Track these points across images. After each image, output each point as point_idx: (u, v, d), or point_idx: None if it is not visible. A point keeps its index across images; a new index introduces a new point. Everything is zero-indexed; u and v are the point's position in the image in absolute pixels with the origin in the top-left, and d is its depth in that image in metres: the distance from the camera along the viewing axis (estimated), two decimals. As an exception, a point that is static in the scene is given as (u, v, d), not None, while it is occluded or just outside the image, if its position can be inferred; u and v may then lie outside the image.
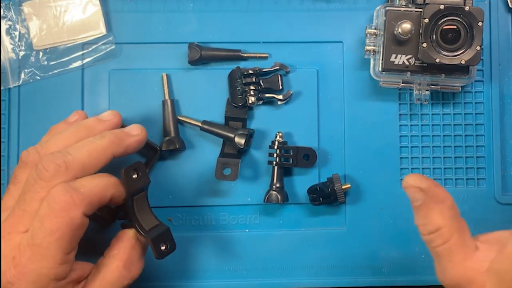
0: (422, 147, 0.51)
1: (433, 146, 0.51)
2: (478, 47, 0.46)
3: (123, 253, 0.41)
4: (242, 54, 0.50)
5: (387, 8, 0.47)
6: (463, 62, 0.46)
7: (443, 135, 0.51)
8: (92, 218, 0.40)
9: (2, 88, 0.49)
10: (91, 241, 0.43)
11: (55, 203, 0.37)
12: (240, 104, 0.49)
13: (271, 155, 0.49)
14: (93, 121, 0.43)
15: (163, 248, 0.41)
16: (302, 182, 0.50)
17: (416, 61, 0.47)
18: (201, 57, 0.49)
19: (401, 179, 0.51)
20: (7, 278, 0.36)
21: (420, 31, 0.46)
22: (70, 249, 0.38)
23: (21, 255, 0.37)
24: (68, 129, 0.43)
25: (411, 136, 0.51)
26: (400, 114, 0.51)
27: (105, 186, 0.40)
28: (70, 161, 0.39)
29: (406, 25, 0.45)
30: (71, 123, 0.45)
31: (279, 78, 0.50)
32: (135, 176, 0.41)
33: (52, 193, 0.37)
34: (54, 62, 0.50)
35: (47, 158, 0.38)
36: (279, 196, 0.48)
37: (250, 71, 0.49)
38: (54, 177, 0.38)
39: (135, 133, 0.43)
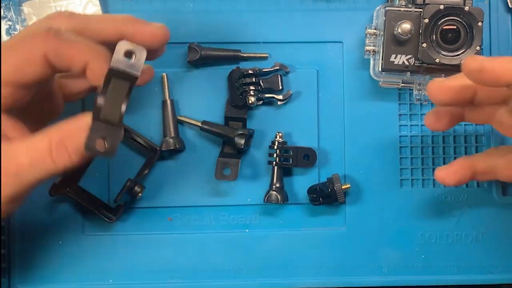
0: (422, 147, 0.51)
1: (433, 146, 0.51)
2: (478, 47, 0.46)
3: (65, 130, 0.35)
4: (242, 54, 0.50)
5: (387, 8, 0.47)
6: (463, 62, 0.46)
7: (443, 135, 0.51)
8: None
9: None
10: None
11: (32, 30, 0.35)
12: (240, 104, 0.49)
13: (271, 155, 0.49)
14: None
15: (98, 143, 0.34)
16: (302, 182, 0.50)
17: (416, 61, 0.47)
18: (201, 57, 0.49)
19: (401, 179, 0.51)
20: None
21: (420, 31, 0.46)
22: (10, 77, 0.34)
23: None
24: None
25: (411, 136, 0.51)
26: (400, 114, 0.51)
27: (87, 47, 0.35)
28: (76, 14, 0.37)
29: (406, 25, 0.46)
30: None
31: (279, 78, 0.50)
32: (130, 58, 0.35)
33: (36, 23, 0.37)
34: (54, 62, 0.50)
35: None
36: (279, 196, 0.48)
37: (250, 71, 0.49)
38: (53, 16, 0.37)
39: (156, 26, 0.39)
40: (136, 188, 0.48)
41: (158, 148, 0.49)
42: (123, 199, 0.48)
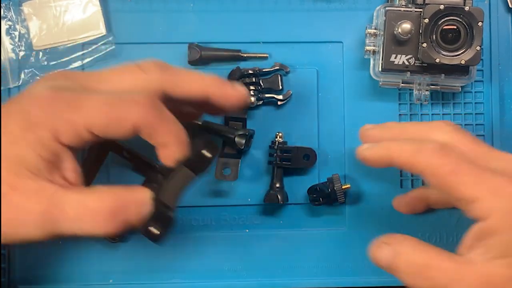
0: (422, 147, 0.51)
1: (433, 146, 0.51)
2: (478, 47, 0.46)
3: (122, 199, 0.35)
4: (242, 54, 0.50)
5: (387, 8, 0.47)
6: (463, 62, 0.46)
7: (443, 135, 0.51)
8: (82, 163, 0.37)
9: (2, 88, 0.49)
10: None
11: (133, 94, 0.35)
12: (240, 104, 0.49)
13: (271, 155, 0.49)
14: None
15: (152, 229, 0.36)
16: (302, 182, 0.50)
17: (416, 61, 0.47)
18: (201, 57, 0.49)
19: (401, 179, 0.51)
20: None
21: (420, 31, 0.46)
22: (94, 129, 0.34)
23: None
24: None
25: (411, 136, 0.51)
26: (400, 114, 0.51)
27: (175, 128, 0.36)
28: (167, 66, 0.38)
29: (406, 25, 0.45)
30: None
31: (279, 78, 0.50)
32: (207, 155, 0.36)
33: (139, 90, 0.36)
34: (54, 62, 0.50)
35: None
36: (279, 196, 0.48)
37: (250, 71, 0.49)
38: (148, 69, 0.38)
39: (239, 90, 0.40)
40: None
41: (157, 166, 0.49)
42: None
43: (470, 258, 0.34)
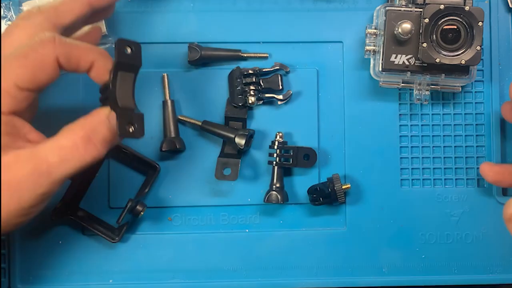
0: (422, 147, 0.51)
1: (433, 146, 0.51)
2: (478, 47, 0.46)
3: (88, 124, 0.38)
4: (242, 54, 0.50)
5: (387, 8, 0.47)
6: (463, 62, 0.46)
7: (443, 135, 0.51)
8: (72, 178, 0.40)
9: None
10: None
11: (37, 38, 0.37)
12: (240, 104, 0.49)
13: (271, 155, 0.49)
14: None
15: (129, 129, 0.38)
16: (302, 182, 0.50)
17: (416, 61, 0.47)
18: (201, 57, 0.49)
19: (401, 179, 0.51)
20: None
21: (420, 31, 0.46)
22: (25, 83, 0.37)
23: None
24: None
25: (411, 136, 0.51)
26: (400, 114, 0.51)
27: (90, 48, 0.39)
28: (43, 6, 0.40)
29: (406, 25, 0.45)
30: None
31: (279, 78, 0.50)
32: (128, 51, 0.39)
33: (39, 33, 0.38)
34: (54, 62, 0.49)
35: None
36: (279, 196, 0.48)
37: (250, 71, 0.49)
38: (28, 17, 0.39)
39: None
40: (137, 207, 0.47)
41: (157, 166, 0.49)
42: (126, 219, 0.48)
43: None
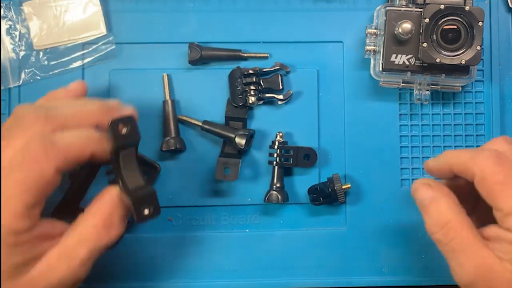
0: (423, 147, 0.51)
1: (433, 146, 0.51)
2: (479, 47, 0.46)
3: (104, 210, 0.39)
4: (242, 54, 0.50)
5: (387, 8, 0.47)
6: (463, 62, 0.46)
7: (443, 135, 0.51)
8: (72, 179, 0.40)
9: (2, 88, 0.49)
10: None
11: (27, 153, 0.36)
12: (240, 104, 0.49)
13: (271, 155, 0.49)
14: (99, 105, 0.41)
15: (145, 212, 0.39)
16: (302, 182, 0.50)
17: (416, 61, 0.47)
18: (201, 57, 0.49)
19: (401, 179, 0.51)
20: None
21: (421, 31, 0.46)
22: (34, 203, 0.36)
23: None
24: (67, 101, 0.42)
25: (411, 136, 0.51)
26: (400, 114, 0.51)
27: (85, 141, 0.38)
28: (52, 114, 0.38)
29: (407, 25, 0.45)
30: (69, 92, 0.44)
31: (279, 78, 0.50)
32: (124, 131, 0.38)
33: (27, 142, 0.36)
34: (55, 62, 0.50)
35: (30, 107, 0.38)
36: (279, 196, 0.48)
37: (250, 71, 0.49)
38: (31, 125, 0.37)
39: (127, 111, 0.42)
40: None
41: (158, 166, 0.49)
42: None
43: (488, 245, 0.37)
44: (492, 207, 0.37)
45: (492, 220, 0.38)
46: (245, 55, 0.50)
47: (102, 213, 0.39)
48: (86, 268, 0.38)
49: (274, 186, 0.49)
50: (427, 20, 0.46)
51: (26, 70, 0.49)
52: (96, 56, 0.50)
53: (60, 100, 0.43)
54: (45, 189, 0.36)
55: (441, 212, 0.38)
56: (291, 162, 0.49)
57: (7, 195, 0.35)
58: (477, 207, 0.42)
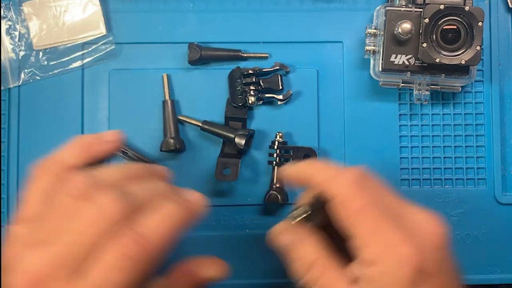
0: (422, 147, 0.51)
1: (433, 146, 0.51)
2: (478, 47, 0.46)
3: None
4: (242, 54, 0.50)
5: (387, 8, 0.47)
6: (463, 62, 0.46)
7: (443, 135, 0.51)
8: None
9: (2, 88, 0.49)
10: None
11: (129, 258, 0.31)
12: (240, 104, 0.49)
13: (271, 155, 0.49)
14: (141, 168, 0.38)
15: None
16: (302, 182, 0.50)
17: (416, 61, 0.47)
18: (201, 57, 0.49)
19: (401, 179, 0.51)
20: None
21: (420, 31, 0.46)
22: None
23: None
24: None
25: (411, 136, 0.51)
26: (400, 114, 0.51)
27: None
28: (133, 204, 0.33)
29: (406, 25, 0.45)
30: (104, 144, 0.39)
31: (279, 78, 0.50)
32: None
33: (119, 238, 0.31)
34: (54, 62, 0.50)
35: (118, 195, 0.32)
36: (279, 196, 0.48)
37: (250, 71, 0.49)
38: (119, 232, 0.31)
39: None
40: None
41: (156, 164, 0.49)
42: None
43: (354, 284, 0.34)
44: (348, 236, 0.34)
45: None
46: (245, 55, 0.50)
47: None
48: None
49: (274, 186, 0.49)
50: (426, 20, 0.46)
51: (25, 70, 0.49)
52: (95, 56, 0.50)
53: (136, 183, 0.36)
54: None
55: (305, 254, 0.36)
56: (291, 162, 0.49)
57: None
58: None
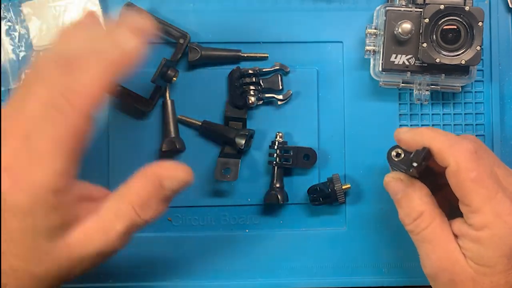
0: (422, 147, 0.51)
1: (433, 146, 0.51)
2: (478, 47, 0.46)
3: (142, 192, 0.37)
4: (242, 54, 0.50)
5: (387, 8, 0.47)
6: (463, 62, 0.46)
7: (443, 135, 0.51)
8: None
9: (2, 89, 0.49)
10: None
11: (51, 107, 0.33)
12: (240, 104, 0.49)
13: (271, 155, 0.49)
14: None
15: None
16: (302, 182, 0.50)
17: (416, 61, 0.47)
18: (201, 57, 0.49)
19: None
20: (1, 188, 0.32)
21: (420, 31, 0.46)
22: (71, 158, 0.33)
23: (16, 162, 0.32)
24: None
25: (411, 136, 0.51)
26: (400, 114, 0.51)
27: (103, 71, 0.35)
28: (70, 60, 0.34)
29: (406, 25, 0.45)
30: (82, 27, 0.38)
31: (279, 78, 0.50)
32: None
33: (49, 95, 0.33)
34: (54, 62, 0.49)
35: (50, 58, 0.35)
36: (279, 196, 0.48)
37: (250, 71, 0.49)
38: (51, 77, 0.34)
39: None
40: (169, 72, 0.48)
41: (188, 34, 0.49)
42: (158, 82, 0.47)
43: (455, 239, 0.39)
44: (459, 200, 0.38)
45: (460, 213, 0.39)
46: (245, 55, 0.50)
47: (141, 195, 0.36)
48: (123, 241, 0.37)
49: (274, 186, 0.49)
50: (427, 20, 0.45)
51: (26, 71, 0.49)
52: (95, 56, 0.50)
53: (76, 40, 0.37)
54: (78, 141, 0.34)
55: (412, 205, 0.40)
56: (291, 162, 0.49)
57: (41, 151, 0.32)
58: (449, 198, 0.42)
